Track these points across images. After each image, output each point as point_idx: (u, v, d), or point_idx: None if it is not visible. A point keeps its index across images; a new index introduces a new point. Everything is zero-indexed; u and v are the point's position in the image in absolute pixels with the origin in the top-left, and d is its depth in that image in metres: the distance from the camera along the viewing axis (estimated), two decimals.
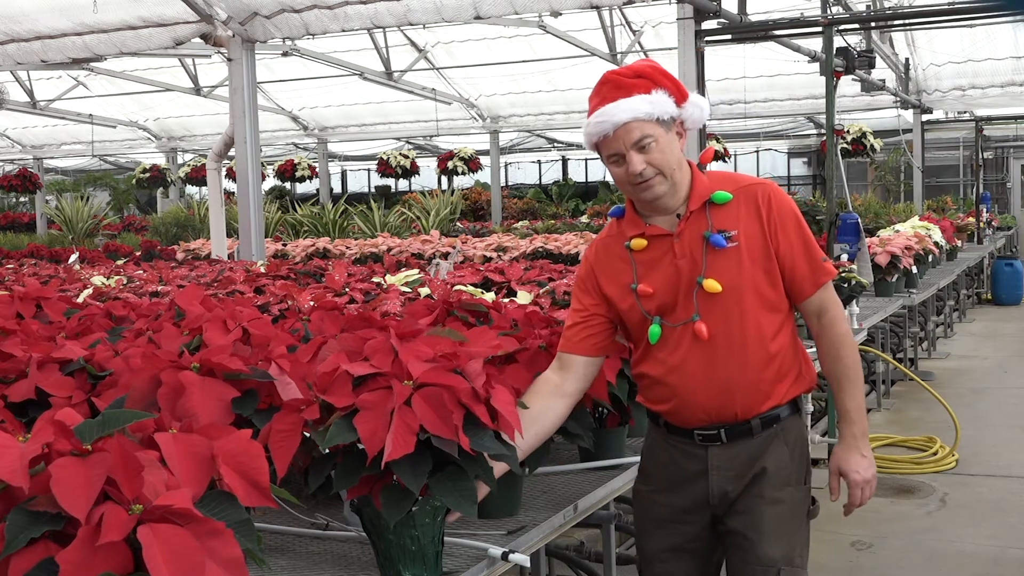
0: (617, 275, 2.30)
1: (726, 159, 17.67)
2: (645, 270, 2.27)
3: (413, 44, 14.52)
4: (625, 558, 3.53)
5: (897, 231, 8.82)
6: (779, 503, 2.24)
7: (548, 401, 2.25)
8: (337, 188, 23.96)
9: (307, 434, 2.15)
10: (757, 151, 22.14)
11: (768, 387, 2.24)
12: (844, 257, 6.51)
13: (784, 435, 2.28)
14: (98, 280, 5.46)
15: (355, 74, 14.76)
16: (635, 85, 2.19)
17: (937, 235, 9.44)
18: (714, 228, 2.22)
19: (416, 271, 4.87)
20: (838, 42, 7.94)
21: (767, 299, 2.22)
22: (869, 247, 7.12)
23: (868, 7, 11.56)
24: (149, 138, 20.29)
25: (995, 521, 4.93)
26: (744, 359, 2.21)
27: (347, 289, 4.23)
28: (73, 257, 10.11)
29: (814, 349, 2.39)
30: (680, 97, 2.23)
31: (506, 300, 3.55)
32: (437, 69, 15.55)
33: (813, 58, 9.88)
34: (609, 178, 22.67)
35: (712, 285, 2.19)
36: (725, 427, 2.26)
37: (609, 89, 2.21)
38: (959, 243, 12.05)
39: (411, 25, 10.09)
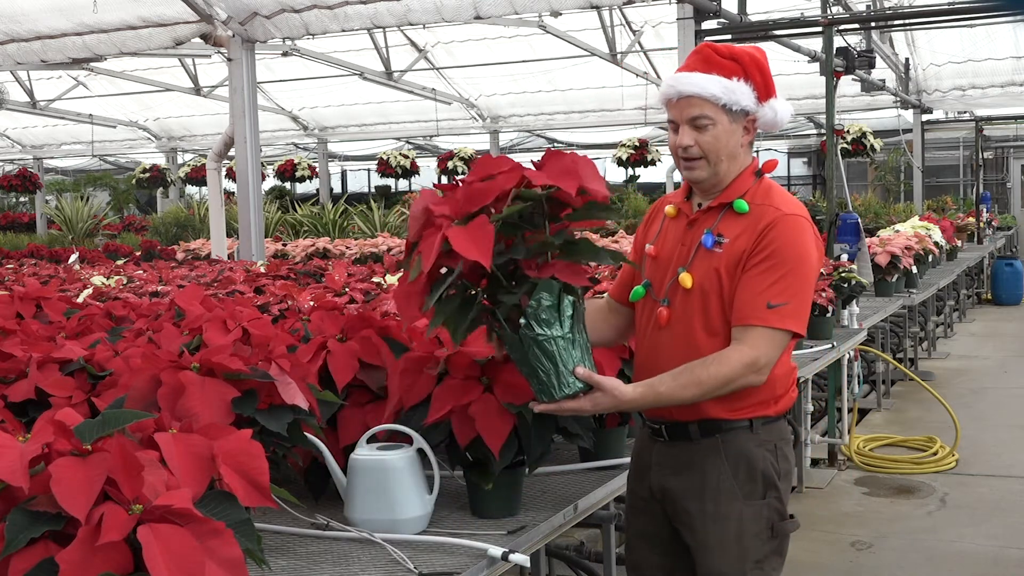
0: (651, 233, 2.37)
1: None
2: (662, 236, 2.31)
3: (413, 44, 14.52)
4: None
5: (897, 231, 8.82)
6: (724, 519, 2.20)
7: (600, 321, 2.39)
8: (337, 188, 23.93)
9: (310, 435, 2.16)
10: (757, 151, 22.12)
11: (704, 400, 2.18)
12: (844, 257, 6.51)
13: (725, 448, 2.21)
14: (98, 280, 5.46)
15: (355, 74, 14.76)
16: (722, 66, 2.16)
17: (937, 235, 9.44)
18: (716, 229, 2.21)
19: None
20: (838, 42, 7.95)
21: (730, 316, 2.17)
22: (869, 247, 7.12)
23: (868, 7, 11.56)
24: (149, 138, 20.29)
25: (995, 521, 4.93)
26: (684, 361, 2.16)
27: (347, 289, 4.22)
28: (73, 257, 10.11)
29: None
30: (765, 95, 2.19)
31: None
32: (437, 69, 15.54)
33: (813, 58, 9.89)
34: (609, 178, 22.65)
35: (685, 279, 2.20)
36: (666, 424, 2.27)
37: (696, 60, 2.20)
38: (959, 243, 12.04)
39: (411, 25, 10.10)
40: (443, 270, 1.97)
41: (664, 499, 2.29)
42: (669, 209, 2.32)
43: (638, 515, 2.39)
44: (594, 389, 2.04)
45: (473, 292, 2.01)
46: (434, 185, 2.06)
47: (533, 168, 1.98)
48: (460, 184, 2.00)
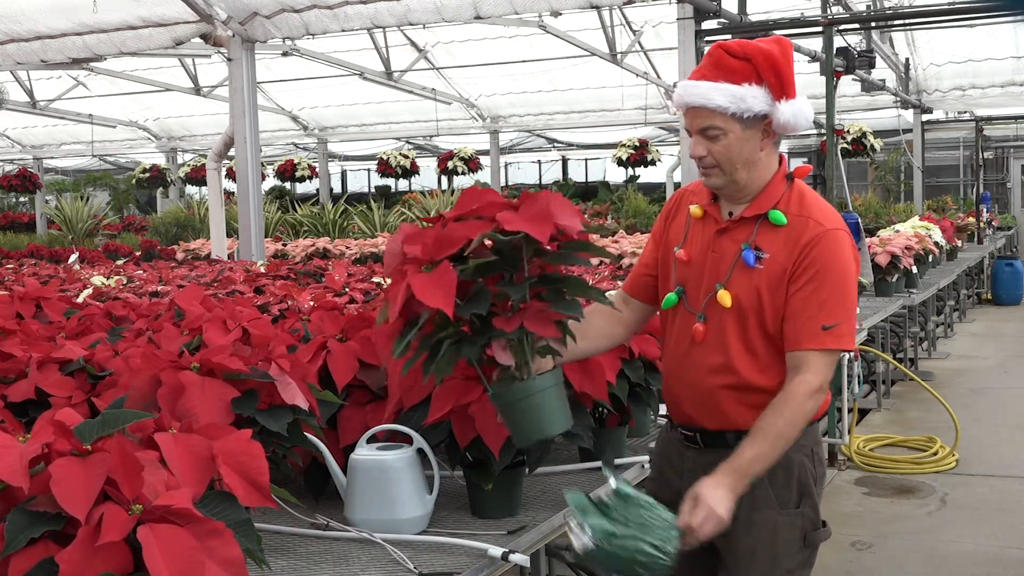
0: (675, 230, 2.27)
1: None
2: (690, 239, 2.22)
3: (413, 44, 14.52)
4: None
5: (897, 231, 8.82)
6: (757, 527, 2.15)
7: (607, 324, 2.28)
8: (337, 188, 23.95)
9: (310, 435, 2.15)
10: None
11: (741, 411, 2.15)
12: None
13: None
14: (98, 280, 5.46)
15: (355, 74, 14.76)
16: (732, 70, 2.06)
17: (937, 235, 9.44)
18: (754, 243, 2.12)
19: None
20: (838, 42, 7.95)
21: (769, 332, 2.12)
22: (869, 247, 7.12)
23: (868, 7, 11.56)
24: (149, 138, 20.29)
25: (995, 521, 4.93)
26: (720, 377, 2.14)
27: (347, 289, 4.22)
28: (73, 257, 10.11)
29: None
30: (780, 95, 2.07)
31: None
32: (437, 69, 15.54)
33: (813, 58, 9.89)
34: (609, 178, 22.72)
35: (724, 298, 2.12)
36: (701, 432, 2.21)
37: (707, 64, 2.10)
38: (959, 243, 12.05)
39: (411, 25, 10.09)
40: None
41: None
42: (695, 210, 2.22)
43: None
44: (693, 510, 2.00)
45: (447, 335, 1.97)
46: (419, 218, 2.04)
47: (511, 209, 1.91)
48: (443, 220, 1.95)
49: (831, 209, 2.19)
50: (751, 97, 2.05)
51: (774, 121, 2.09)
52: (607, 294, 2.40)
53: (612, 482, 1.99)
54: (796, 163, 20.28)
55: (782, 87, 2.08)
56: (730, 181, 2.13)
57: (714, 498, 1.99)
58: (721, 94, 2.05)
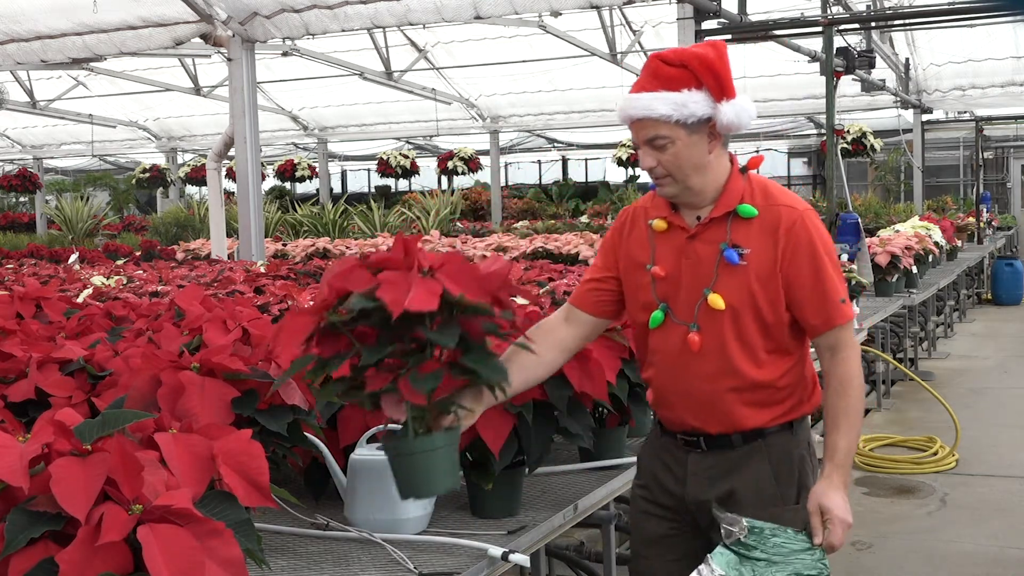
0: (637, 247, 2.24)
1: None
2: (660, 254, 2.20)
3: (413, 44, 14.52)
4: (625, 558, 3.51)
5: (897, 231, 8.82)
6: None
7: (546, 353, 2.19)
8: (337, 188, 23.95)
9: (310, 435, 2.15)
10: (757, 151, 22.15)
11: (746, 411, 2.16)
12: (844, 257, 6.51)
13: (768, 451, 2.18)
14: (98, 280, 5.46)
15: (355, 74, 14.77)
16: (670, 78, 2.07)
17: (937, 235, 9.45)
18: (731, 241, 2.12)
19: None
20: (838, 42, 7.95)
21: (766, 326, 2.13)
22: (869, 247, 7.12)
23: (868, 7, 11.56)
24: (149, 138, 20.30)
25: (995, 521, 4.93)
26: (722, 381, 2.14)
27: None
28: (73, 257, 10.12)
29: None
30: (722, 96, 2.08)
31: None
32: (437, 69, 15.55)
33: (813, 58, 9.90)
34: (609, 178, 22.74)
35: (716, 301, 2.11)
36: (704, 436, 2.20)
37: (645, 75, 2.12)
38: (959, 243, 12.05)
39: (411, 25, 10.11)
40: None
41: (699, 511, 2.21)
42: (658, 223, 2.20)
43: (649, 520, 2.29)
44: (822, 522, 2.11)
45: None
46: (360, 255, 1.93)
47: (403, 272, 1.78)
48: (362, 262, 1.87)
49: (792, 192, 2.24)
50: (692, 102, 2.06)
51: (718, 123, 2.09)
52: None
53: (744, 521, 2.08)
54: (795, 163, 20.19)
55: (721, 88, 2.08)
56: (684, 188, 2.13)
57: (836, 505, 2.09)
58: (662, 103, 2.07)
